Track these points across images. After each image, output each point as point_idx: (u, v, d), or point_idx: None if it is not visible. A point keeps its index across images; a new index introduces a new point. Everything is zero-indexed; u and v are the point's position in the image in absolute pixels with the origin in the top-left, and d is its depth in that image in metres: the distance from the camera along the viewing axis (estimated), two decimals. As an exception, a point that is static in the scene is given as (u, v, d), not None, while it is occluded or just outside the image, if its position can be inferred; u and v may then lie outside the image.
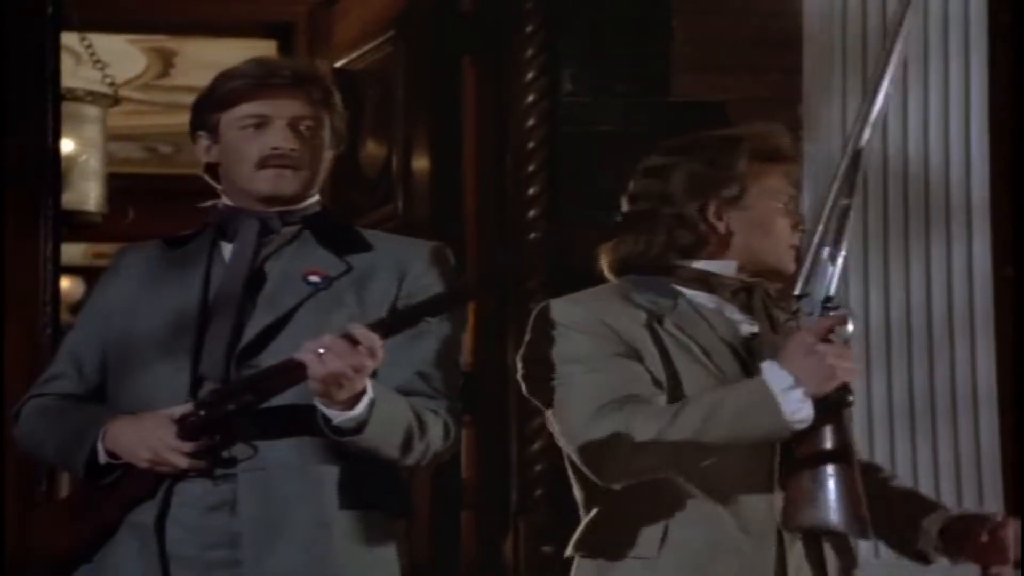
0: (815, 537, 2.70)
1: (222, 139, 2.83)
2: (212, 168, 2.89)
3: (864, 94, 2.73)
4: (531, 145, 4.60)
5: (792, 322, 2.66)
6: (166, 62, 7.51)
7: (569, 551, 2.79)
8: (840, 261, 2.64)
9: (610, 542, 2.73)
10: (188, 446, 2.65)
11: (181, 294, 2.78)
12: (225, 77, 2.83)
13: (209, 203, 2.89)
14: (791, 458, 2.64)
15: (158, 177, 8.54)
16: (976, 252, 4.40)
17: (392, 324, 2.61)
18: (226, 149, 2.83)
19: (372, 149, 5.24)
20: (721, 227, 2.76)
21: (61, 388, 2.84)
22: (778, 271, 2.79)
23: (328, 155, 2.86)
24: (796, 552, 2.69)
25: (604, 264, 2.83)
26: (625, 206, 2.83)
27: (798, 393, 2.56)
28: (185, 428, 2.66)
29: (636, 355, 2.70)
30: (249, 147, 2.79)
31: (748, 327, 2.75)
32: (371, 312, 2.73)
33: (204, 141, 2.86)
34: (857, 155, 2.66)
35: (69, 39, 5.42)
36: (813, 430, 2.60)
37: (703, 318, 2.74)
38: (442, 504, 4.81)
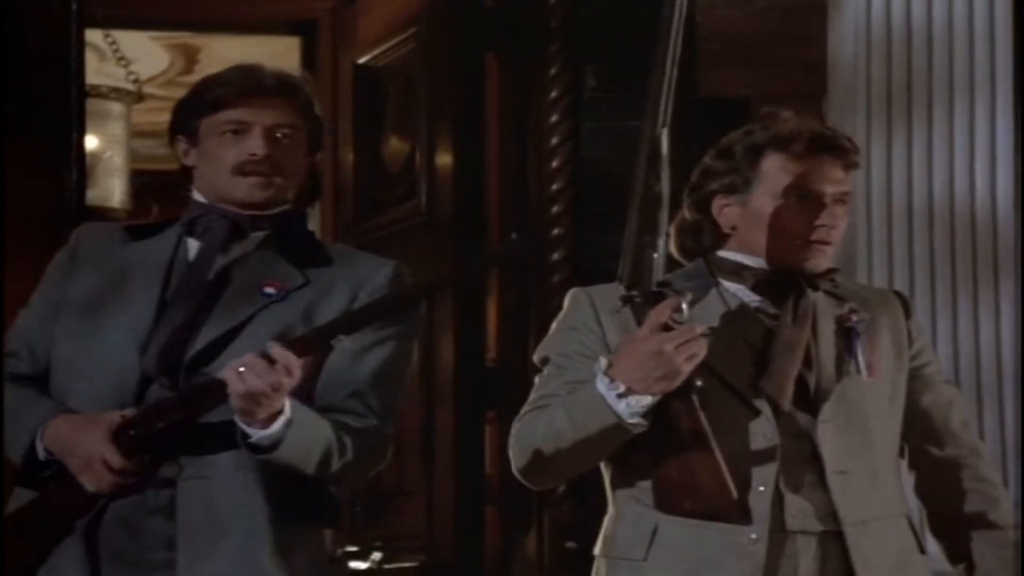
0: (836, 535, 2.68)
1: (201, 143, 2.85)
2: (186, 171, 2.90)
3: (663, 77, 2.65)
4: (554, 141, 4.60)
5: (625, 310, 2.63)
6: (190, 59, 7.52)
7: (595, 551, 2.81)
8: (661, 246, 2.60)
9: (611, 541, 2.74)
10: (118, 461, 2.67)
11: (141, 290, 2.80)
12: (210, 83, 2.87)
13: (190, 193, 2.90)
14: (662, 445, 2.62)
15: (182, 174, 8.54)
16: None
17: (308, 342, 2.64)
18: (204, 154, 2.85)
19: (395, 145, 5.24)
20: (722, 221, 2.75)
21: (13, 368, 2.85)
22: (793, 268, 2.73)
23: (306, 162, 2.89)
24: (808, 551, 2.67)
25: (673, 249, 2.83)
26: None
27: (625, 402, 2.55)
28: (118, 446, 2.68)
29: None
30: (228, 153, 2.81)
31: (769, 319, 2.73)
32: (308, 323, 2.76)
33: (182, 144, 2.88)
34: (655, 139, 2.60)
35: (93, 36, 5.44)
36: (668, 418, 2.59)
37: (729, 311, 2.74)
38: (465, 500, 4.82)
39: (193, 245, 2.84)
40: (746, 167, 2.72)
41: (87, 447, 2.68)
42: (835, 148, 2.74)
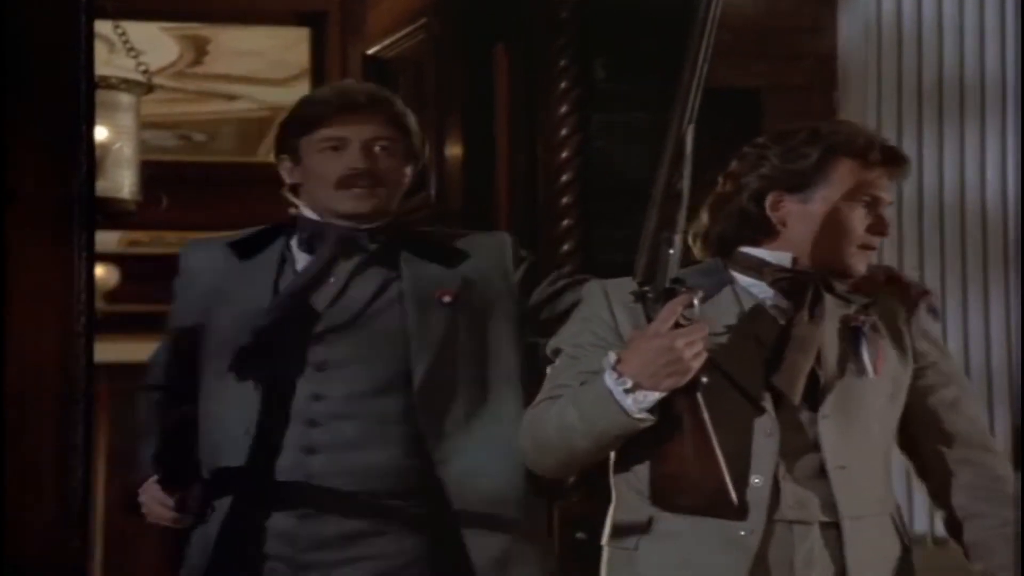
0: (832, 526, 2.68)
1: (303, 161, 2.99)
2: (292, 189, 3.05)
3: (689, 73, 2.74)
4: (563, 132, 4.59)
5: (637, 305, 2.65)
6: (199, 50, 7.52)
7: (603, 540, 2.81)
8: (677, 243, 2.63)
9: (611, 530, 2.76)
10: (161, 496, 2.87)
11: (251, 305, 2.92)
12: (306, 103, 3.02)
13: (294, 212, 3.02)
14: (662, 441, 2.63)
15: (191, 165, 8.53)
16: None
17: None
18: (307, 171, 2.99)
19: (405, 137, 5.24)
20: (775, 218, 2.75)
21: (156, 379, 3.05)
22: (838, 270, 2.76)
23: (406, 171, 3.01)
24: (806, 542, 2.67)
25: (691, 243, 2.83)
26: (718, 187, 2.83)
27: (633, 397, 2.57)
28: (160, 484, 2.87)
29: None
30: (329, 168, 2.95)
31: (782, 316, 2.73)
32: (493, 319, 2.94)
33: (287, 163, 3.03)
34: (681, 137, 2.64)
35: (102, 27, 5.43)
36: (671, 414, 2.60)
37: (741, 308, 2.74)
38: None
39: (300, 257, 2.97)
40: (815, 169, 2.74)
41: (144, 496, 2.91)
42: (897, 159, 2.79)
